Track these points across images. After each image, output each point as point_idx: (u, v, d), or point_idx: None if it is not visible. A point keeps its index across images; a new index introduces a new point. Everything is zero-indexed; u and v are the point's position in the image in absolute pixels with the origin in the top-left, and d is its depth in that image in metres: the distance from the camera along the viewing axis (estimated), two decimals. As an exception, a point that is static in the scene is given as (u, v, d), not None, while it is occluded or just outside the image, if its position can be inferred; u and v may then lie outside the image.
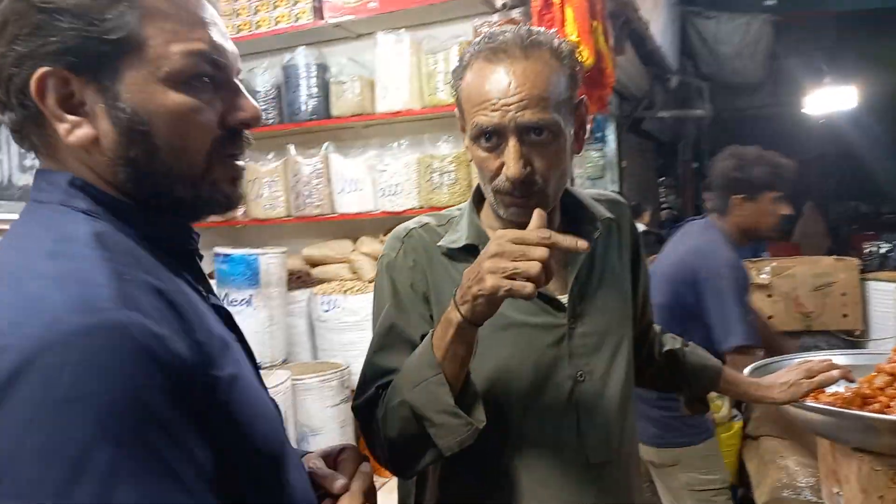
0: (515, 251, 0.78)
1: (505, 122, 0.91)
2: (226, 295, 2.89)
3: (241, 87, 0.67)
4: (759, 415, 2.64)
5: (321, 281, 3.33)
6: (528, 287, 0.77)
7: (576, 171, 4.15)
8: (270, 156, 3.44)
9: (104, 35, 0.58)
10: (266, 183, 3.41)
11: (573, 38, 2.33)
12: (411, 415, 0.90)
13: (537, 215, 0.83)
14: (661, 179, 9.84)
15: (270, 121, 3.37)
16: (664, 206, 9.40)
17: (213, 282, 3.17)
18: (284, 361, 3.09)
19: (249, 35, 3.33)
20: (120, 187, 0.64)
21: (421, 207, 3.05)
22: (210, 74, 0.63)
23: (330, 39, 3.33)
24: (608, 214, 1.09)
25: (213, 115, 0.64)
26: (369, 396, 0.99)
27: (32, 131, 0.62)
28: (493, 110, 0.90)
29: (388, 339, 1.02)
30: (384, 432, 0.95)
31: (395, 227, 3.43)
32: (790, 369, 1.21)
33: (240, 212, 3.50)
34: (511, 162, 0.91)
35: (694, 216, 2.79)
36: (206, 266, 3.63)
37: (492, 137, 0.94)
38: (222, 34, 0.65)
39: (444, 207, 2.87)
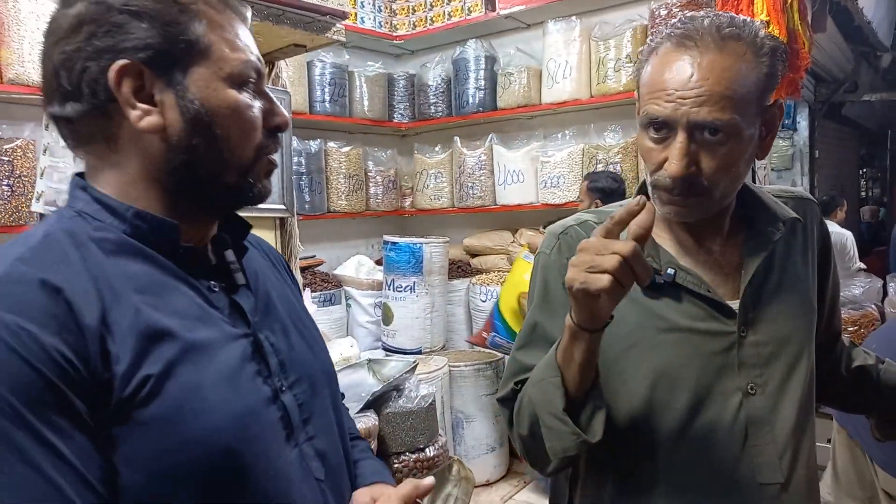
0: (598, 246, 0.75)
1: (677, 116, 0.84)
2: (392, 281, 3.06)
3: (272, 95, 0.75)
4: None
5: (479, 271, 3.39)
6: (603, 280, 0.73)
7: (759, 161, 3.79)
8: (437, 148, 3.56)
9: (179, 36, 0.67)
10: (432, 174, 3.54)
11: (762, 17, 2.11)
12: (534, 411, 0.88)
13: (646, 211, 0.78)
14: (862, 171, 8.68)
15: (439, 114, 3.49)
16: (867, 200, 8.28)
17: (379, 269, 3.36)
18: (443, 348, 3.20)
19: (424, 31, 3.47)
20: (168, 174, 0.69)
21: (582, 200, 2.98)
22: (254, 81, 0.73)
23: (500, 31, 3.36)
24: (792, 214, 0.98)
25: (259, 115, 0.72)
26: (508, 392, 1.00)
27: (95, 122, 0.67)
28: (667, 101, 0.84)
29: (532, 336, 1.01)
30: (518, 428, 0.95)
31: (555, 220, 3.36)
32: None
33: (406, 202, 3.67)
34: (675, 158, 0.84)
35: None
36: (377, 253, 3.81)
37: (661, 129, 0.88)
38: (257, 49, 0.75)
39: (608, 200, 2.83)
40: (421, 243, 3.06)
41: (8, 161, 2.32)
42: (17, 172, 2.34)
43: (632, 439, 0.94)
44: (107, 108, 0.66)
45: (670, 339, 0.88)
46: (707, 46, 0.84)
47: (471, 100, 3.30)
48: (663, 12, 2.69)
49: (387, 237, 3.11)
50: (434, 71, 3.48)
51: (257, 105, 0.72)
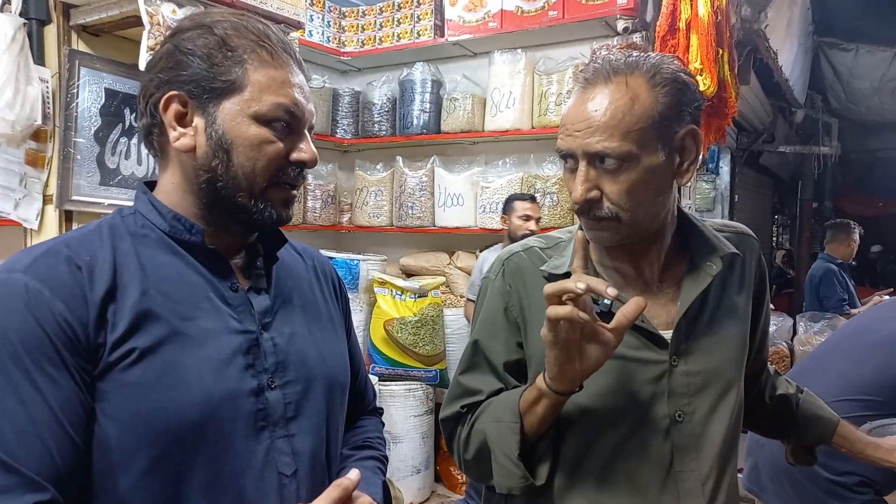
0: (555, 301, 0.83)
1: (574, 147, 0.91)
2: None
3: (308, 136, 0.85)
4: None
5: (415, 291, 3.39)
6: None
7: (684, 201, 3.99)
8: (379, 166, 3.56)
9: (218, 76, 0.80)
10: (372, 192, 3.52)
11: (696, 65, 2.25)
12: (486, 443, 0.95)
13: (577, 255, 0.88)
14: (776, 217, 9.27)
15: (383, 133, 3.49)
16: (779, 245, 8.84)
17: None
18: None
19: (372, 49, 3.48)
20: (197, 187, 0.82)
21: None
22: (286, 121, 0.82)
23: (447, 57, 3.41)
24: (731, 249, 1.03)
25: (280, 149, 0.82)
26: (454, 413, 1.04)
27: (155, 136, 0.83)
28: (567, 135, 0.92)
29: (475, 360, 1.05)
30: (463, 451, 1.01)
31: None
32: None
33: (345, 218, 3.64)
34: (574, 185, 0.92)
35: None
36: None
37: (569, 160, 0.94)
38: (304, 95, 0.85)
39: (545, 228, 2.91)
40: (358, 260, 3.04)
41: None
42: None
43: (567, 459, 0.96)
44: (161, 127, 0.82)
45: (607, 366, 0.91)
46: (598, 83, 0.91)
47: (415, 121, 3.32)
48: (603, 52, 2.81)
49: (323, 252, 3.06)
50: (380, 90, 3.49)
51: (281, 142, 0.82)
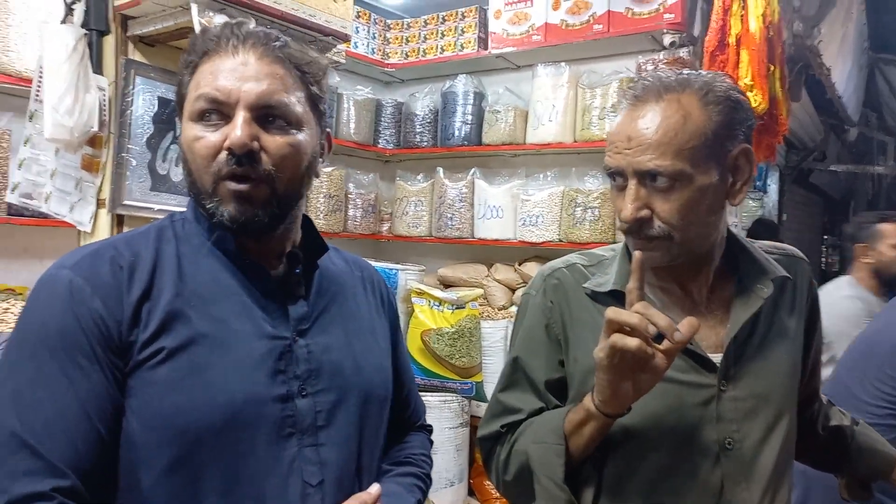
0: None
1: (623, 165, 0.90)
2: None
3: (239, 118, 0.77)
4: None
5: (452, 302, 3.38)
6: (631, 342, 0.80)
7: (730, 219, 3.89)
8: (419, 176, 3.58)
9: (178, 92, 0.83)
10: (412, 202, 3.54)
11: (747, 81, 2.20)
12: (527, 464, 0.93)
13: (634, 275, 0.86)
14: (825, 237, 8.96)
15: (424, 143, 3.51)
16: (826, 266, 8.54)
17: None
18: (409, 376, 3.17)
19: (416, 61, 3.52)
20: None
21: (560, 241, 3.02)
22: (212, 109, 0.78)
23: (490, 69, 3.42)
24: (782, 273, 1.00)
25: (210, 142, 0.78)
26: (493, 432, 1.02)
27: None
28: (615, 153, 0.91)
29: (514, 377, 1.03)
30: (503, 472, 0.99)
31: (531, 258, 3.37)
32: None
33: (384, 227, 3.67)
34: (626, 203, 0.90)
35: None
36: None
37: (618, 178, 0.92)
38: (239, 76, 0.78)
39: (584, 244, 2.88)
40: (397, 269, 3.05)
41: (-20, 149, 2.25)
42: (-11, 161, 2.27)
43: (609, 483, 0.94)
44: None
45: (655, 389, 0.89)
46: (649, 100, 0.90)
47: (457, 133, 3.33)
48: (650, 67, 2.78)
49: (342, 251, 3.09)
50: (422, 101, 3.52)
51: (213, 135, 0.78)
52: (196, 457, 0.74)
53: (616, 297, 0.98)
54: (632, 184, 0.90)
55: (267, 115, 0.79)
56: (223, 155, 0.77)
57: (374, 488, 0.82)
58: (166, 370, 0.74)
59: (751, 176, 0.95)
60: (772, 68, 2.32)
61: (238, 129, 0.76)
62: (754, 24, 2.26)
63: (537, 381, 1.01)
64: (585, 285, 1.02)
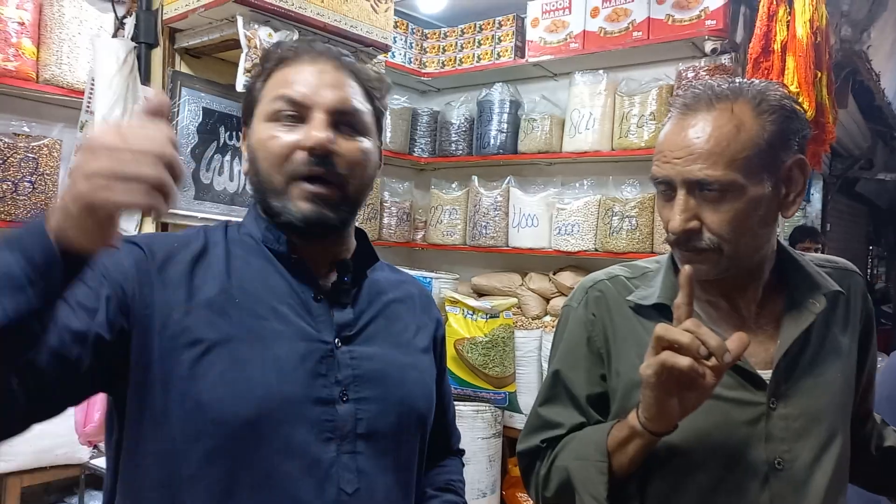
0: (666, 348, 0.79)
1: (672, 175, 0.88)
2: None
3: (318, 120, 0.81)
4: None
5: (487, 311, 3.37)
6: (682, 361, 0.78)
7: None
8: (454, 185, 3.58)
9: (248, 98, 0.86)
10: (447, 210, 3.55)
11: (793, 88, 2.14)
12: (569, 481, 0.91)
13: (683, 290, 0.82)
14: (871, 248, 8.69)
15: (459, 152, 3.52)
16: (873, 278, 8.28)
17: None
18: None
19: (452, 70, 3.53)
20: (256, 201, 0.87)
21: (596, 250, 2.98)
22: (289, 111, 0.81)
23: (527, 78, 3.41)
24: (835, 287, 0.96)
25: (285, 142, 0.80)
26: (533, 447, 1.00)
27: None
28: (664, 162, 0.89)
29: (555, 391, 1.02)
30: (543, 488, 0.97)
31: (565, 267, 3.32)
32: None
33: (419, 235, 3.68)
34: (675, 214, 0.88)
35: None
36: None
37: (665, 189, 0.90)
38: (316, 82, 0.83)
39: (621, 253, 2.84)
40: (431, 278, 3.05)
41: (33, 158, 2.34)
42: (41, 170, 2.35)
43: (653, 502, 0.92)
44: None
45: (702, 405, 0.87)
46: (700, 109, 0.88)
47: (492, 141, 3.33)
48: (690, 74, 2.74)
49: (397, 268, 3.10)
50: (458, 110, 3.53)
51: (287, 135, 0.81)
52: (232, 449, 0.75)
53: (660, 311, 0.96)
54: (681, 194, 0.88)
55: (340, 120, 0.82)
56: (300, 155, 0.80)
57: None
58: (207, 362, 0.75)
59: (804, 188, 0.92)
60: (819, 75, 2.26)
61: (318, 129, 0.80)
62: (801, 30, 2.20)
63: (578, 396, 0.99)
64: (629, 298, 1.00)
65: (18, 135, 2.35)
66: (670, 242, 0.92)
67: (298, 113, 0.81)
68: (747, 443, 0.90)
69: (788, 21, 2.23)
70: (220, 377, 0.75)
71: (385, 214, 3.52)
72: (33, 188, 2.35)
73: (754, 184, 0.86)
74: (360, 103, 0.85)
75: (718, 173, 0.85)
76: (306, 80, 0.82)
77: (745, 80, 0.91)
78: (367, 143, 0.85)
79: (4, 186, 2.27)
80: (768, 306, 0.97)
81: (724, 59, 2.72)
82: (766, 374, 0.92)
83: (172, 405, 0.75)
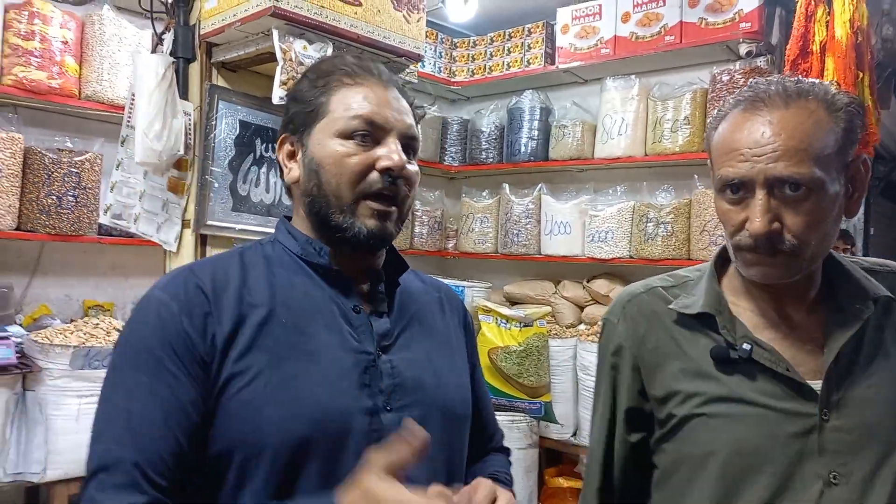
0: None
1: (753, 174, 0.84)
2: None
3: (396, 145, 0.86)
4: None
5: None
6: None
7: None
8: (485, 193, 3.58)
9: (307, 109, 0.87)
10: (478, 218, 3.54)
11: (833, 90, 2.09)
12: None
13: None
14: (915, 253, 8.39)
15: (490, 160, 3.52)
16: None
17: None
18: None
19: (482, 79, 3.53)
20: (306, 212, 0.88)
21: (630, 257, 2.94)
22: (366, 131, 0.84)
23: (557, 84, 3.39)
24: (883, 292, 0.93)
25: (362, 160, 0.84)
26: None
27: (282, 176, 0.92)
28: (741, 161, 0.84)
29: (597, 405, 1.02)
30: None
31: (600, 275, 3.27)
32: None
33: (450, 244, 3.68)
34: (756, 216, 0.83)
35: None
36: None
37: (738, 190, 0.86)
38: (389, 107, 0.87)
39: (656, 260, 2.79)
40: (463, 286, 3.05)
41: (76, 173, 2.41)
42: (84, 184, 2.42)
43: None
44: (282, 166, 0.91)
45: (749, 417, 0.84)
46: (776, 105, 0.84)
47: (523, 148, 3.32)
48: (725, 77, 2.69)
49: (421, 273, 3.10)
50: (488, 118, 3.53)
51: (363, 153, 0.84)
52: (289, 469, 0.76)
53: (704, 321, 0.94)
54: (760, 194, 0.84)
55: (407, 144, 0.88)
56: (374, 174, 0.84)
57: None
58: (258, 386, 0.76)
59: (866, 186, 0.89)
60: (860, 75, 2.19)
61: (397, 153, 0.85)
62: (840, 31, 2.15)
63: (618, 409, 0.98)
64: (671, 307, 0.98)
65: (62, 150, 2.43)
66: (744, 247, 0.88)
67: (374, 134, 0.85)
68: (799, 457, 0.87)
69: (827, 21, 2.18)
70: (272, 398, 0.76)
71: (416, 224, 3.53)
72: (76, 202, 2.41)
73: (832, 182, 0.84)
74: (417, 130, 0.91)
75: (804, 170, 0.82)
76: (383, 103, 0.87)
77: (806, 78, 0.89)
78: (416, 166, 0.91)
79: (49, 201, 2.34)
80: (815, 313, 0.94)
81: (760, 62, 2.67)
82: (817, 385, 0.89)
83: (229, 432, 0.76)
